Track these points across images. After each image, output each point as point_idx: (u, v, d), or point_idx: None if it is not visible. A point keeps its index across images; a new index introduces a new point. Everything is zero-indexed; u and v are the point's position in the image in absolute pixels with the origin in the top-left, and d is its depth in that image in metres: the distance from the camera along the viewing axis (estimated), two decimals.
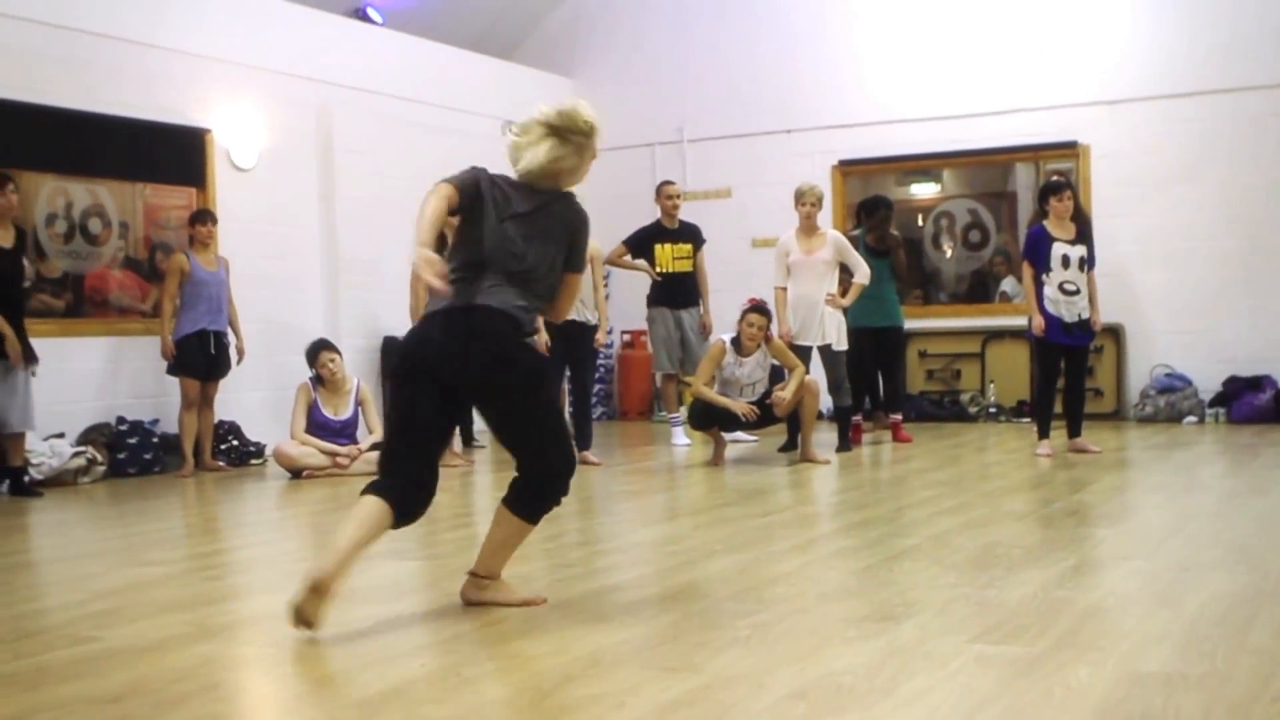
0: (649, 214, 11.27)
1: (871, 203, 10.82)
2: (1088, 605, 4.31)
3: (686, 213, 10.96)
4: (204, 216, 9.95)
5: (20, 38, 9.35)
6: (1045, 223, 9.10)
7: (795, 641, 3.87)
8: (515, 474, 4.41)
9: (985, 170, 13.46)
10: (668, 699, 3.27)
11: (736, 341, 9.15)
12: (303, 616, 3.94)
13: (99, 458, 9.38)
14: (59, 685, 3.64)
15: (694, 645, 3.89)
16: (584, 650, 3.82)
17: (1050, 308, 8.99)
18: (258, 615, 4.56)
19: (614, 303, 9.86)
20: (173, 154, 10.46)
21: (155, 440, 9.80)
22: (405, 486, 4.20)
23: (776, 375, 9.36)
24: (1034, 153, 12.72)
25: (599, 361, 11.02)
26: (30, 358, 8.54)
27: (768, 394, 9.18)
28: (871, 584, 4.79)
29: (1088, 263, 9.07)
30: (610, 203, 12.96)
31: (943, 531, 5.88)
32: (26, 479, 8.61)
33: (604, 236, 10.07)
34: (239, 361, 10.04)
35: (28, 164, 9.41)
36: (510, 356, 4.24)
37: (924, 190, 13.93)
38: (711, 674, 3.52)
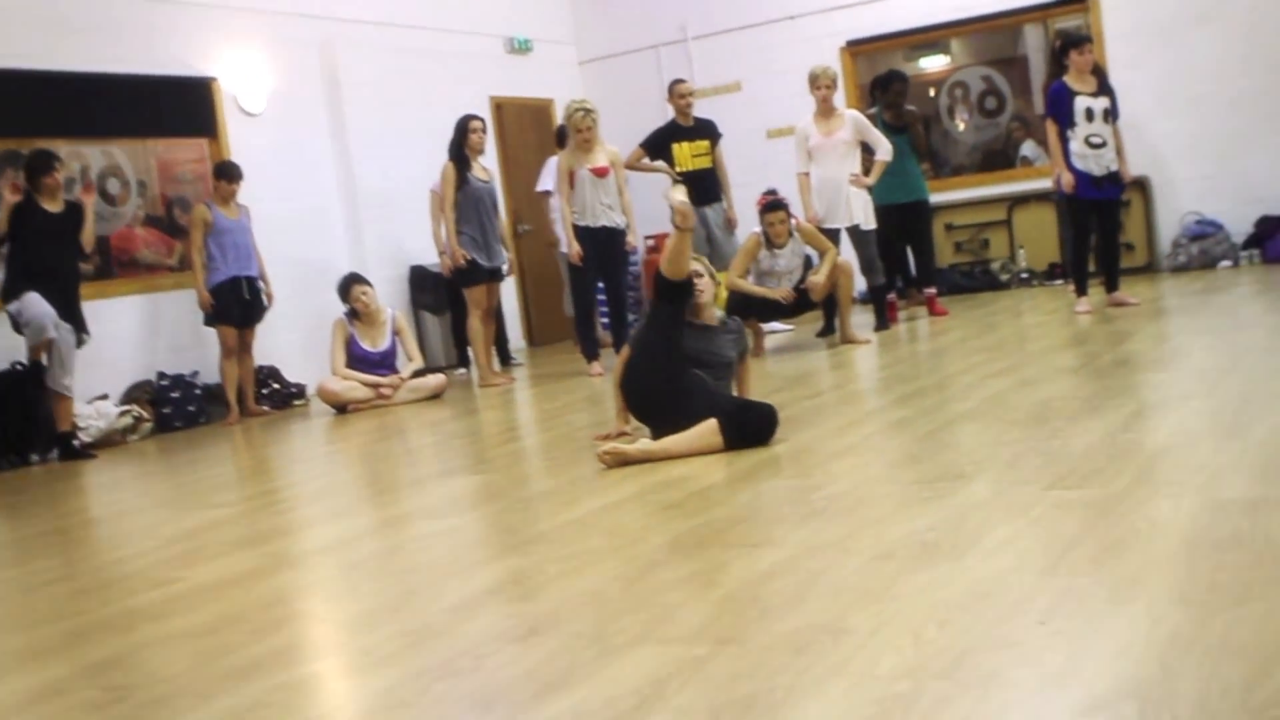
0: (659, 117, 11.17)
1: (885, 78, 10.70)
2: (1156, 445, 4.30)
3: (698, 110, 10.82)
4: (229, 173, 9.81)
5: (18, 6, 9.27)
6: (1065, 78, 8.97)
7: (873, 507, 3.88)
8: None
9: (994, 36, 13.27)
10: (758, 572, 3.28)
11: (768, 236, 9.13)
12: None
13: (145, 415, 9.43)
14: (152, 624, 3.66)
15: (771, 522, 3.90)
16: (662, 539, 3.84)
17: (1078, 163, 8.87)
18: (332, 542, 4.57)
19: (634, 207, 9.82)
20: (181, 106, 10.37)
21: (198, 392, 9.84)
22: None
23: (808, 264, 9.34)
24: (1043, 11, 12.52)
25: (630, 268, 10.96)
26: (80, 327, 8.57)
27: (803, 280, 9.16)
28: (936, 447, 4.79)
29: (1112, 114, 8.94)
30: (620, 107, 12.88)
31: (996, 393, 5.87)
32: (76, 443, 8.68)
33: (618, 142, 10.01)
34: (269, 305, 10.03)
35: (41, 131, 9.36)
36: None
37: (934, 63, 13.74)
38: (795, 545, 3.53)
